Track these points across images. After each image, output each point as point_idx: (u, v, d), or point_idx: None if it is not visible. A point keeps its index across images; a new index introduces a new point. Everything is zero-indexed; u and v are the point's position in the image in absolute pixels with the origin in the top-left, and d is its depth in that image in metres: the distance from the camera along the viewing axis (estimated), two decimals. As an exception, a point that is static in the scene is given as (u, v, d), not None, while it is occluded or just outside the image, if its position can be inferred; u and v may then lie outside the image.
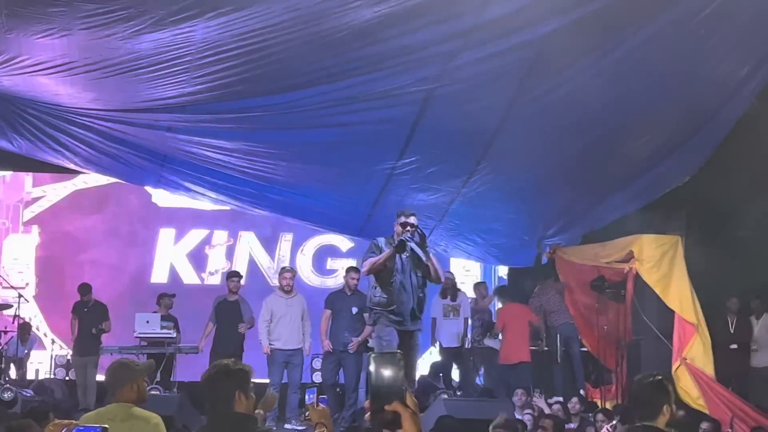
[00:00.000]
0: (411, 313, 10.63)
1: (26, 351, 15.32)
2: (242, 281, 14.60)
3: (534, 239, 15.54)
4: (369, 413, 2.95)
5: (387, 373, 2.92)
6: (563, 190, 13.76)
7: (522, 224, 14.96)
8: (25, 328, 15.34)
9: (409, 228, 10.50)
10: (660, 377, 5.44)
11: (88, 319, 14.31)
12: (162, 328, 14.22)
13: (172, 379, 14.15)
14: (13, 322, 14.73)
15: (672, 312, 13.69)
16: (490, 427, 8.02)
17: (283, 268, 14.16)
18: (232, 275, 14.65)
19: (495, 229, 15.09)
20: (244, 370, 4.95)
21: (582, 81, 10.51)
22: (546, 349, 15.23)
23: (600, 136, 11.89)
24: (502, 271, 18.29)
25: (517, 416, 11.41)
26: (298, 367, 13.34)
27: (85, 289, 14.51)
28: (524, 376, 14.33)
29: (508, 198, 13.80)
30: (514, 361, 14.52)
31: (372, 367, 2.91)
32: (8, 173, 17.44)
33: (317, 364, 15.24)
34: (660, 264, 13.89)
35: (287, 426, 12.85)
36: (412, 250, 10.47)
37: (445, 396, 13.03)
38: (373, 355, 3.01)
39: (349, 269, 14.10)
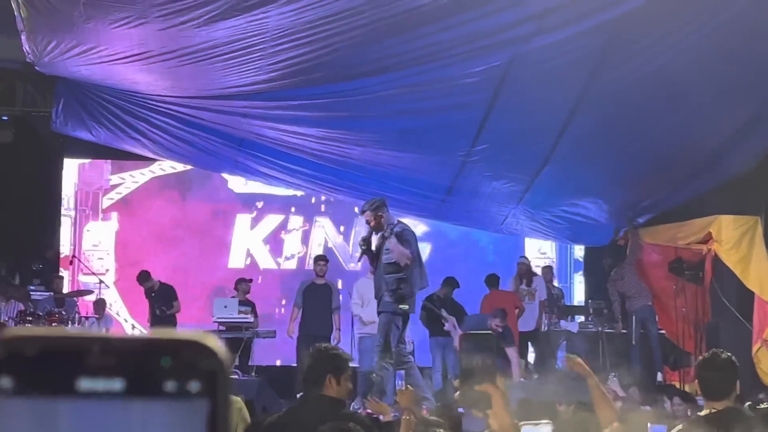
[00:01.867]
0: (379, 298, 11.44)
1: (104, 330, 15.41)
2: (327, 264, 14.68)
3: (611, 221, 15.44)
4: (458, 392, 2.96)
5: (478, 354, 2.93)
6: (641, 174, 13.58)
7: (598, 208, 14.84)
8: (100, 304, 15.50)
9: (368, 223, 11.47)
10: (730, 354, 5.40)
11: (155, 303, 14.55)
12: (239, 312, 14.30)
13: (250, 363, 14.25)
14: (94, 309, 14.95)
15: (752, 293, 13.51)
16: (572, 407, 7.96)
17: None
18: (319, 259, 14.75)
19: (569, 214, 14.99)
20: (339, 356, 5.00)
21: (660, 61, 10.36)
22: (623, 331, 15.10)
23: (678, 118, 11.72)
24: (578, 252, 18.15)
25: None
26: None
27: (143, 276, 14.70)
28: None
29: (584, 183, 13.70)
30: None
31: (463, 348, 2.93)
32: (87, 161, 17.69)
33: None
34: (739, 245, 13.70)
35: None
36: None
37: (523, 379, 12.96)
38: (464, 335, 3.03)
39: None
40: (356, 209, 14.70)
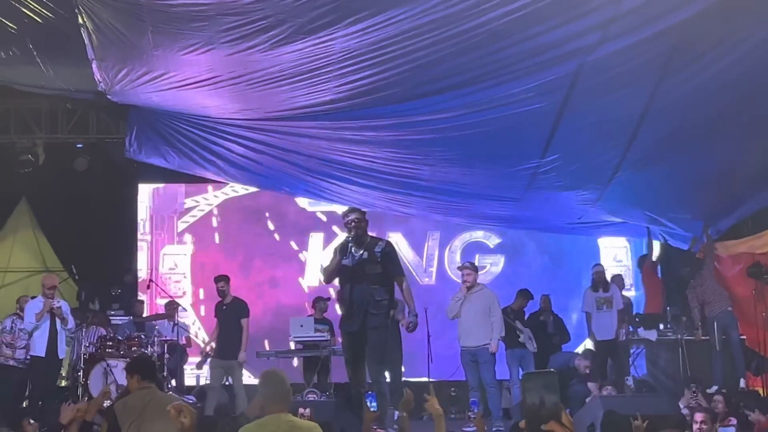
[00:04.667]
0: (361, 311, 10.75)
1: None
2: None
3: (688, 227, 15.31)
4: (525, 433, 2.95)
5: (541, 392, 2.91)
6: (715, 179, 13.39)
7: (673, 214, 14.71)
8: (172, 306, 15.63)
9: (351, 225, 10.92)
10: None
11: (226, 319, 13.97)
12: (316, 331, 14.37)
13: (328, 381, 14.30)
14: (172, 331, 15.08)
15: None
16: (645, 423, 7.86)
17: (463, 264, 13.87)
18: None
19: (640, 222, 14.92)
20: None
21: (729, 62, 10.17)
22: (704, 338, 14.89)
23: (750, 122, 11.53)
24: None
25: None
26: (487, 365, 12.93)
27: (223, 277, 14.23)
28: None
29: (657, 190, 13.55)
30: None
31: (525, 387, 2.91)
32: (161, 185, 17.92)
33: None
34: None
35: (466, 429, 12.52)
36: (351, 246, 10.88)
37: (605, 392, 12.79)
38: (526, 374, 3.01)
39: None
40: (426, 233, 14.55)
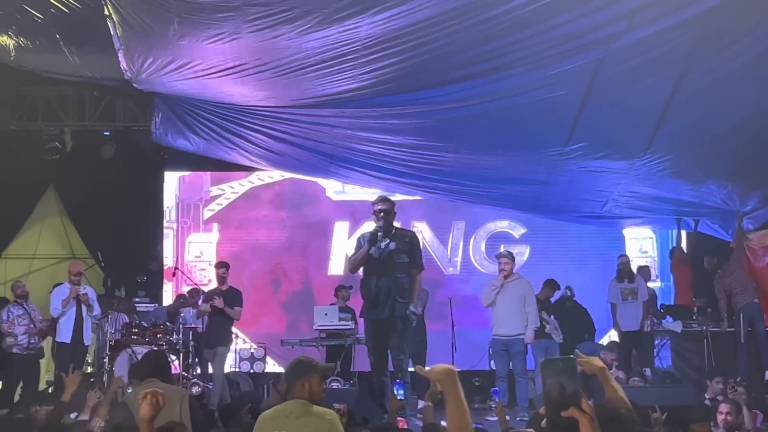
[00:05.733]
0: (388, 300, 10.96)
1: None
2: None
3: (716, 217, 15.25)
4: (545, 420, 2.93)
5: (561, 378, 2.90)
6: (744, 166, 13.28)
7: (701, 200, 14.63)
8: (195, 293, 15.70)
9: (379, 214, 11.07)
10: None
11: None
12: (340, 320, 14.38)
13: (351, 370, 14.31)
14: (197, 318, 15.12)
15: None
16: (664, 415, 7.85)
17: (501, 253, 13.72)
18: None
19: (670, 202, 14.86)
20: None
21: (756, 50, 10.10)
22: (729, 330, 14.82)
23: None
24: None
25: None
26: (519, 355, 12.85)
27: (224, 264, 14.34)
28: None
29: (684, 176, 13.48)
30: None
31: (545, 373, 2.89)
32: (187, 173, 17.96)
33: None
34: None
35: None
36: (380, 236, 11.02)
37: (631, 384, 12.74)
38: (544, 360, 3.00)
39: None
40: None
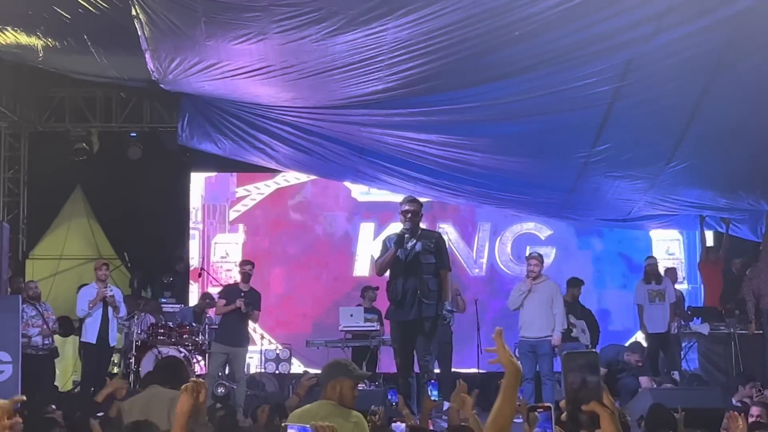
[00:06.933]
0: (415, 301, 11.03)
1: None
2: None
3: (744, 218, 15.16)
4: (565, 414, 2.90)
5: (582, 372, 2.87)
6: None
7: (728, 205, 14.56)
8: (206, 297, 15.73)
9: (406, 215, 11.19)
10: None
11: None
12: (366, 321, 14.36)
13: (377, 371, 14.28)
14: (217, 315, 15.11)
15: None
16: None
17: (530, 254, 13.57)
18: None
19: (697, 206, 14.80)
20: None
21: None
22: (757, 332, 14.70)
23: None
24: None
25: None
26: (546, 357, 12.75)
27: (248, 261, 14.14)
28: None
29: (711, 180, 13.41)
30: None
31: (566, 367, 2.86)
32: (213, 174, 18.00)
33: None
34: None
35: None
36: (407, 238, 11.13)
37: (655, 385, 12.69)
38: (566, 354, 2.96)
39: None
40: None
